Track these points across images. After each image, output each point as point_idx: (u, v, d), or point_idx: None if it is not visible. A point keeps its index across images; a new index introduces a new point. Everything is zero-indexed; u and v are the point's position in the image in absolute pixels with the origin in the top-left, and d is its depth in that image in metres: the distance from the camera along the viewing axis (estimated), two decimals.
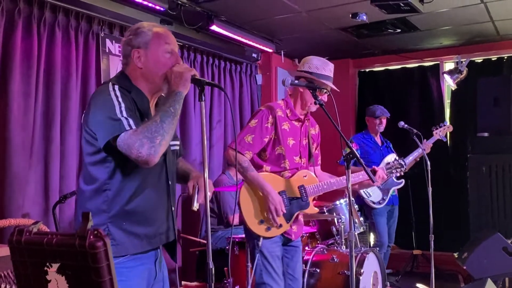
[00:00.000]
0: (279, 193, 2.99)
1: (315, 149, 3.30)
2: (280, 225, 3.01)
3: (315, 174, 3.23)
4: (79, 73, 3.95)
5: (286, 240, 3.11)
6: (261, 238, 2.97)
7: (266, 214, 2.97)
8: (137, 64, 2.06)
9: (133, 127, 1.85)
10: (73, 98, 3.86)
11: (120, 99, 1.91)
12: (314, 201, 3.27)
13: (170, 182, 2.13)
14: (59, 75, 3.76)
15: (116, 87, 1.96)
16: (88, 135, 1.96)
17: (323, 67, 3.07)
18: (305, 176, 3.15)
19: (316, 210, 3.26)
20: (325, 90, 3.02)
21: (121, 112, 1.86)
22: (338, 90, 3.08)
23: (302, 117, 3.15)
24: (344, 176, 3.22)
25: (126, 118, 1.86)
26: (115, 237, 1.96)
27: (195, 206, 2.07)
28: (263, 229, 2.98)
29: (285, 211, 2.98)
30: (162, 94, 2.11)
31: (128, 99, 1.96)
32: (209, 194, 2.03)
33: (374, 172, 3.16)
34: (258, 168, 3.03)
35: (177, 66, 2.03)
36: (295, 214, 3.06)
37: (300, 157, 3.15)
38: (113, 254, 1.90)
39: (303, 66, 3.11)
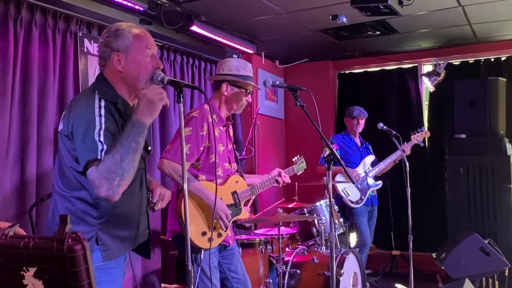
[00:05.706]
0: None
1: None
2: (220, 234, 2.96)
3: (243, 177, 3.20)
4: (56, 73, 3.88)
5: (223, 247, 3.07)
6: (202, 251, 2.84)
7: (210, 224, 2.87)
8: (116, 68, 2.02)
9: (102, 156, 1.82)
10: (50, 98, 3.79)
11: (102, 120, 1.87)
12: (245, 206, 3.21)
13: (146, 185, 2.20)
14: (36, 75, 3.69)
15: (103, 103, 1.92)
16: (70, 142, 1.93)
17: (243, 67, 3.06)
18: (237, 182, 3.12)
19: (248, 215, 3.19)
20: (248, 91, 3.05)
21: (99, 135, 1.84)
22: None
23: (226, 121, 3.10)
24: (267, 176, 3.26)
25: (102, 143, 1.83)
26: (105, 242, 1.95)
27: (155, 209, 2.26)
28: (205, 241, 2.86)
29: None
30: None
31: (112, 117, 1.93)
32: (162, 206, 2.25)
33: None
34: (194, 178, 2.89)
35: (150, 90, 1.90)
36: (231, 221, 3.00)
37: (229, 163, 3.10)
38: (103, 260, 1.94)
39: (222, 69, 3.06)
